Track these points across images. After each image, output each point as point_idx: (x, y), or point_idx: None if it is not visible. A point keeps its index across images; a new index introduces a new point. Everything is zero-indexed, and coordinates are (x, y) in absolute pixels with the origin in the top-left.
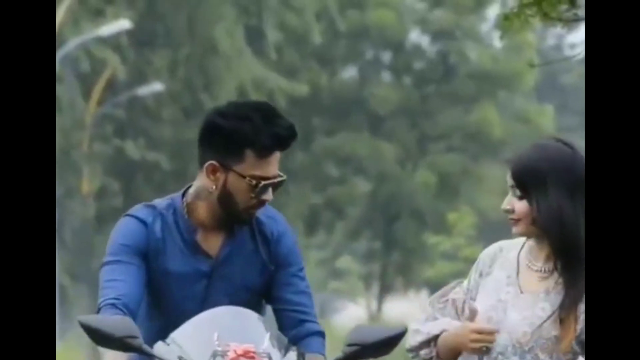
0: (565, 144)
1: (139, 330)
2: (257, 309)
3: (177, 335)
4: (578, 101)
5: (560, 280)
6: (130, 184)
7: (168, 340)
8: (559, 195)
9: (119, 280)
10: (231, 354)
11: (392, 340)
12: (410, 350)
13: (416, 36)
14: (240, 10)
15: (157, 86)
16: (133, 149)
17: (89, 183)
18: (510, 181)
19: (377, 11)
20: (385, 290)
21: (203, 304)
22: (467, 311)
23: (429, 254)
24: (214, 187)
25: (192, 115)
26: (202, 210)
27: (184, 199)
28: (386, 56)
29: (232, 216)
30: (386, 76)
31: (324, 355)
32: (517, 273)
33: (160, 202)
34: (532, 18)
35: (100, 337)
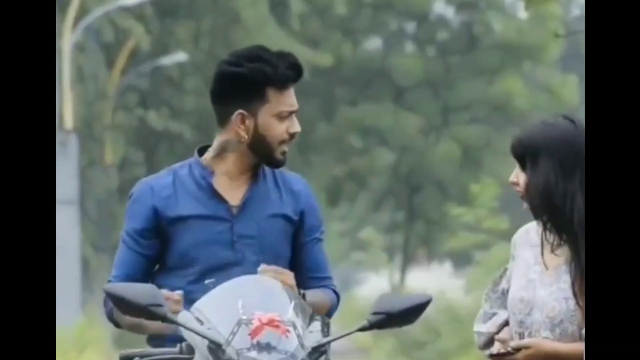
0: (571, 120)
1: (164, 299)
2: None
3: (200, 304)
4: None
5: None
6: (153, 155)
7: (192, 309)
8: (549, 169)
9: (127, 264)
10: (256, 322)
11: (417, 309)
12: (483, 350)
13: (440, 7)
14: None
15: (180, 56)
16: (156, 119)
17: (112, 153)
18: (513, 153)
19: None
20: (408, 261)
21: (231, 249)
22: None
23: (452, 225)
24: (245, 136)
25: None
26: (230, 161)
27: (203, 157)
28: (410, 27)
29: (266, 159)
30: (410, 47)
31: (331, 302)
32: (542, 252)
33: (177, 165)
34: None
35: (125, 305)
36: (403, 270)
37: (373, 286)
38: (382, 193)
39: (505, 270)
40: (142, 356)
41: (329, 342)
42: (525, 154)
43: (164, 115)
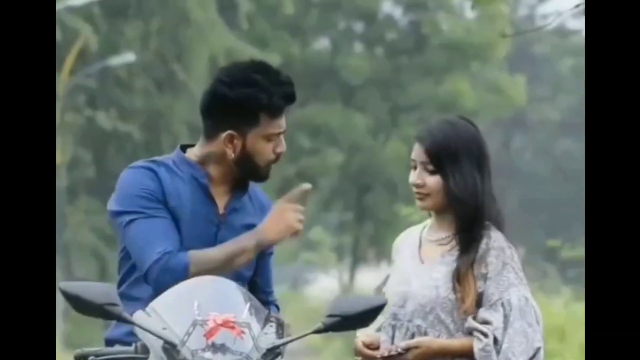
0: (468, 121)
1: (119, 298)
2: (252, 263)
3: (157, 304)
4: (549, 71)
5: (457, 245)
6: (102, 155)
7: (148, 309)
8: (471, 169)
9: (164, 233)
10: (211, 324)
11: (373, 312)
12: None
13: (388, 7)
14: None
15: (129, 57)
16: (105, 119)
17: (61, 154)
18: (422, 157)
19: None
20: (358, 261)
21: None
22: None
23: (401, 225)
24: (232, 154)
25: (164, 86)
26: (214, 170)
27: (187, 154)
28: (358, 27)
29: (251, 175)
30: (358, 47)
31: None
32: (419, 248)
33: (156, 158)
34: None
35: (80, 304)
36: (352, 270)
37: (322, 286)
38: (331, 193)
39: (388, 277)
40: (97, 355)
41: (284, 344)
42: (443, 156)
43: (113, 116)
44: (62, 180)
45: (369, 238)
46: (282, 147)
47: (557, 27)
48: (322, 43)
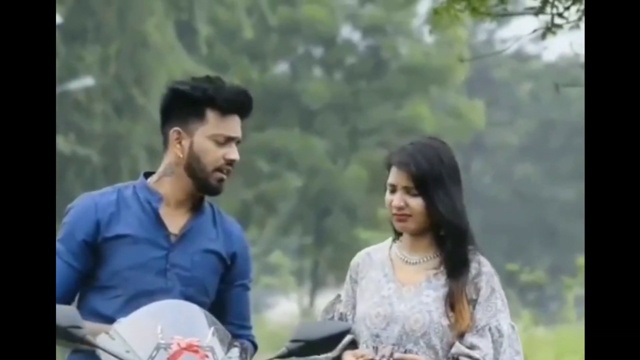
0: (441, 142)
1: (82, 321)
2: (210, 289)
3: (120, 327)
4: (508, 96)
5: (442, 268)
6: (61, 179)
7: (111, 332)
8: (457, 192)
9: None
10: (175, 347)
11: (336, 337)
12: None
13: (347, 31)
14: (171, 5)
15: (87, 81)
16: (63, 143)
17: None
18: (404, 182)
19: (308, 6)
20: (318, 285)
21: (163, 276)
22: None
23: (361, 248)
24: (181, 155)
25: (123, 110)
26: (168, 185)
27: (148, 180)
28: (317, 51)
29: (201, 184)
30: (317, 71)
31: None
32: (393, 270)
33: (118, 185)
34: (462, 13)
35: None
36: (312, 294)
37: (283, 310)
38: (290, 217)
39: (339, 296)
40: None
41: None
42: (430, 181)
43: (72, 140)
44: None
45: (329, 262)
46: (234, 155)
47: (516, 52)
48: (281, 67)
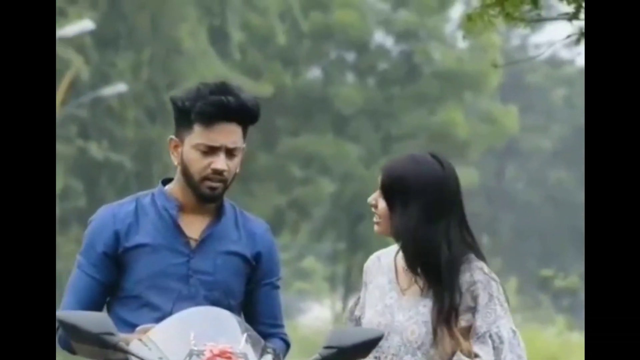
0: (440, 162)
1: (115, 328)
2: (236, 291)
3: (153, 334)
4: (542, 101)
5: (420, 278)
6: (94, 185)
7: (144, 338)
8: (419, 213)
9: (81, 289)
10: (207, 354)
11: (369, 344)
12: None
13: (380, 37)
14: (204, 11)
15: (120, 87)
16: (96, 149)
17: None
18: (380, 183)
19: (341, 12)
20: (350, 290)
21: (186, 283)
22: None
23: None
24: (177, 163)
25: (156, 116)
26: (178, 192)
27: (166, 187)
28: (350, 57)
29: (195, 192)
30: (350, 77)
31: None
32: (397, 277)
33: (138, 194)
34: (495, 18)
35: (77, 333)
36: (345, 299)
37: (315, 315)
38: (323, 222)
39: (359, 298)
40: None
41: None
42: (394, 190)
43: (105, 146)
44: None
45: (361, 267)
46: (219, 165)
47: (550, 57)
48: (314, 73)
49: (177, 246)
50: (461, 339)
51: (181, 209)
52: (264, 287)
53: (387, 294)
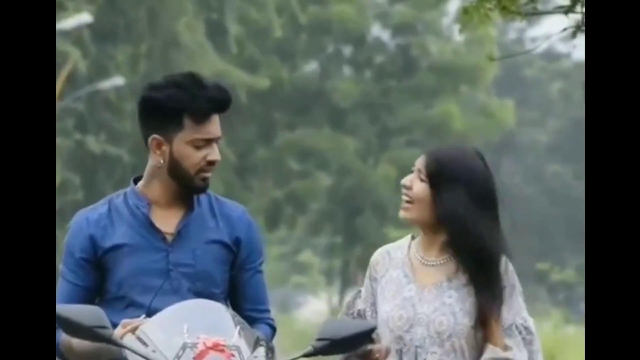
0: (482, 158)
1: (109, 321)
2: (219, 280)
3: (146, 327)
4: (538, 95)
5: (461, 268)
6: (92, 178)
7: (137, 332)
8: (467, 201)
9: (66, 296)
10: (201, 346)
11: (363, 336)
12: None
13: (377, 30)
14: (201, 5)
15: (118, 80)
16: (94, 143)
17: None
18: (420, 165)
19: (338, 5)
20: (347, 284)
21: (167, 277)
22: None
23: None
24: (161, 161)
25: None
26: (156, 188)
27: (137, 184)
28: (347, 50)
29: (187, 186)
30: (347, 70)
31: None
32: (412, 270)
33: (110, 196)
34: (491, 12)
35: (70, 327)
36: (342, 293)
37: (312, 309)
38: (320, 216)
39: (359, 292)
40: None
41: None
42: (442, 175)
43: (102, 139)
44: None
45: (359, 261)
46: (214, 156)
47: (546, 51)
48: (311, 66)
49: (154, 242)
50: (499, 332)
51: (152, 206)
52: (247, 273)
53: (405, 287)
